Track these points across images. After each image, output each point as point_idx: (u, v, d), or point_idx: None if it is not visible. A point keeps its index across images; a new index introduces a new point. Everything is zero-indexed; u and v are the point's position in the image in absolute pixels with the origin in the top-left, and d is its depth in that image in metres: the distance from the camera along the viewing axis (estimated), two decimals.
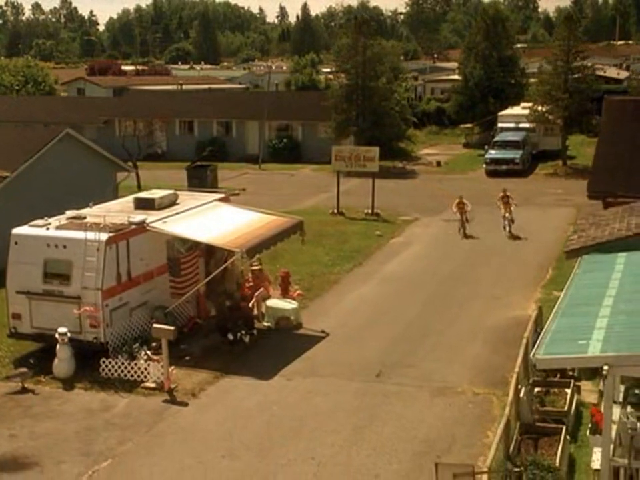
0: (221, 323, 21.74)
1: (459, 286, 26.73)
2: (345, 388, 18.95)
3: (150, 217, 21.44)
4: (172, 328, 18.75)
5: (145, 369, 19.09)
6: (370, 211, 37.37)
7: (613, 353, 11.69)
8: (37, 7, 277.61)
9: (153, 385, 18.89)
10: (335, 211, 37.92)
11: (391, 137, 54.79)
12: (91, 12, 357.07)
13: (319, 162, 52.46)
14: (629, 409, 13.87)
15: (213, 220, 22.48)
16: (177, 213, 22.31)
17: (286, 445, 16.33)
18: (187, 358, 20.43)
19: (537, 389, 17.53)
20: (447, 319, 23.55)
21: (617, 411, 13.61)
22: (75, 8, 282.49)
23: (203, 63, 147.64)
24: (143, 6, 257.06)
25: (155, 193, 23.24)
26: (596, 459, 13.43)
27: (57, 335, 19.15)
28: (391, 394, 18.56)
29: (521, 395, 15.84)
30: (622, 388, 14.67)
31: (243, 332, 21.19)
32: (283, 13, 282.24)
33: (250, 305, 23.07)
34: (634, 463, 11.97)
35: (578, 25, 56.70)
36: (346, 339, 22.16)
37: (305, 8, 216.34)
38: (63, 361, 19.28)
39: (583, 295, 15.15)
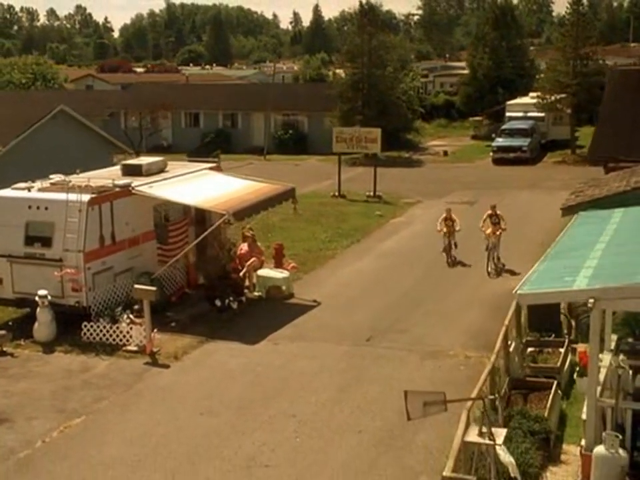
0: (209, 291, 21.15)
1: (459, 257, 26.02)
2: (332, 351, 18.36)
3: (137, 182, 20.88)
4: (153, 288, 18.21)
5: (127, 332, 18.54)
6: (372, 194, 36.71)
7: (599, 286, 11.05)
8: (51, 13, 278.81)
9: (134, 349, 18.34)
10: (336, 193, 37.32)
11: (398, 127, 54.10)
12: (106, 18, 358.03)
13: (325, 153, 51.88)
14: (621, 356, 13.16)
15: (202, 186, 21.94)
16: (165, 179, 21.75)
17: (267, 404, 15.73)
18: (173, 324, 19.88)
19: (530, 349, 16.87)
20: (443, 290, 22.91)
21: (607, 357, 12.93)
22: (90, 14, 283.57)
23: (214, 64, 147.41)
24: (157, 11, 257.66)
25: (143, 160, 22.70)
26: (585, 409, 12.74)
27: (36, 298, 18.59)
28: (381, 357, 17.95)
29: (511, 349, 15.19)
30: (614, 337, 13.99)
31: (231, 298, 20.63)
32: (296, 19, 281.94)
33: (241, 274, 22.45)
34: (622, 403, 11.28)
35: (589, 24, 55.39)
36: (338, 307, 21.55)
37: (316, 10, 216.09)
38: (43, 325, 18.76)
39: (575, 243, 14.54)
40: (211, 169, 23.71)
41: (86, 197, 19.08)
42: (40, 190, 19.91)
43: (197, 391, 16.38)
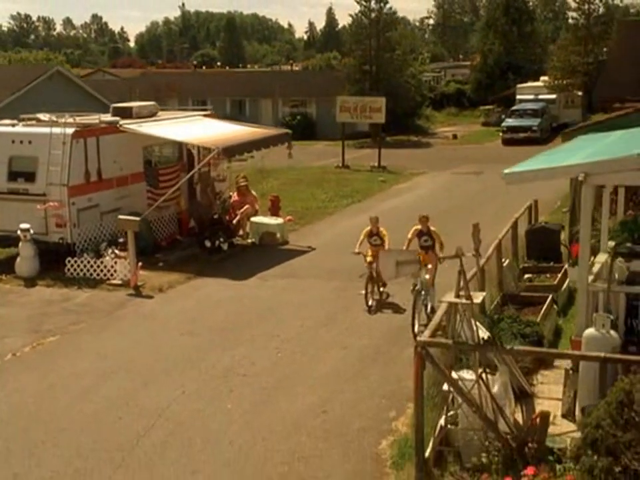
0: (200, 234, 20.54)
1: (459, 215, 25.25)
2: (323, 286, 17.72)
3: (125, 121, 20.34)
4: (137, 218, 17.61)
5: (112, 266, 17.95)
6: (376, 164, 36.06)
7: (589, 160, 10.36)
8: (68, 22, 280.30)
9: (119, 282, 17.72)
10: (340, 164, 36.69)
11: (407, 111, 53.43)
12: (122, 28, 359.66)
13: (334, 139, 51.28)
14: (619, 259, 12.42)
15: (194, 127, 21.40)
16: (156, 121, 21.20)
17: (251, 327, 15.10)
18: (161, 264, 19.24)
19: (527, 276, 16.15)
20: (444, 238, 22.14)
21: (603, 257, 12.22)
22: (106, 23, 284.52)
23: (227, 68, 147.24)
24: (172, 19, 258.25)
25: (134, 103, 22.16)
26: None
27: (18, 232, 18.02)
28: None
29: (504, 264, 14.48)
30: (611, 244, 13.24)
31: (222, 239, 19.99)
32: (312, 29, 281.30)
33: (234, 222, 21.81)
34: (614, 287, 10.55)
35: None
36: (332, 252, 20.86)
37: (330, 12, 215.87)
38: (25, 259, 18.19)
39: (569, 146, 13.84)
40: (205, 115, 23.09)
41: (70, 130, 18.51)
42: (24, 125, 19.36)
43: (180, 316, 15.78)
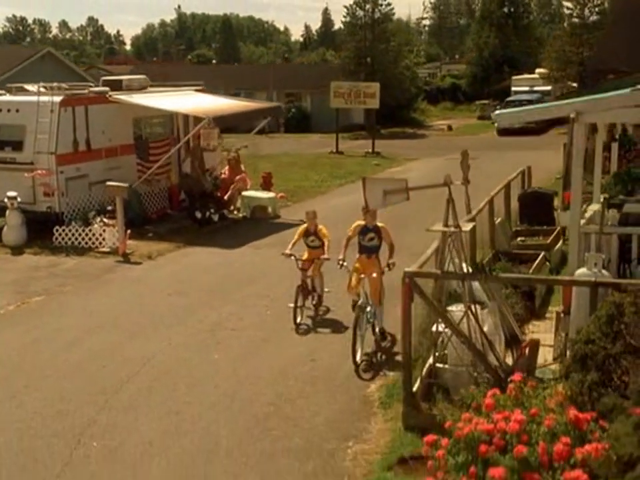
0: (191, 207, 20.33)
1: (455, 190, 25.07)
2: None
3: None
4: (126, 185, 17.39)
5: (100, 234, 17.74)
6: (370, 150, 35.87)
7: (582, 98, 10.18)
8: (63, 25, 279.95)
9: (107, 250, 17.49)
10: (334, 150, 36.50)
11: (401, 103, 53.27)
12: (118, 31, 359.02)
13: (329, 131, 51.12)
14: (611, 210, 12.26)
15: (185, 100, 21.20)
16: (146, 93, 21.01)
17: (241, 288, 14.91)
18: (150, 234, 19.03)
19: (520, 239, 15.96)
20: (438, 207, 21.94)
21: (596, 207, 12.04)
22: (102, 25, 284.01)
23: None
24: (168, 21, 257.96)
25: (124, 76, 21.98)
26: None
27: (5, 199, 17.79)
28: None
29: (497, 222, 14.29)
30: (602, 197, 13.05)
31: (212, 210, 19.77)
32: (308, 32, 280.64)
33: (225, 197, 21.58)
34: (607, 229, 10.37)
35: None
36: (326, 224, 20.56)
37: (326, 13, 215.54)
38: (12, 228, 17.96)
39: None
40: (196, 90, 22.89)
41: (58, 98, 18.31)
42: (12, 94, 19.15)
43: (169, 280, 15.58)
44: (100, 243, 17.64)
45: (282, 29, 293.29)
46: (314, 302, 12.78)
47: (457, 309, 9.02)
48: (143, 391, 10.15)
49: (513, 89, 53.58)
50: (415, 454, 8.14)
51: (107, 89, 19.73)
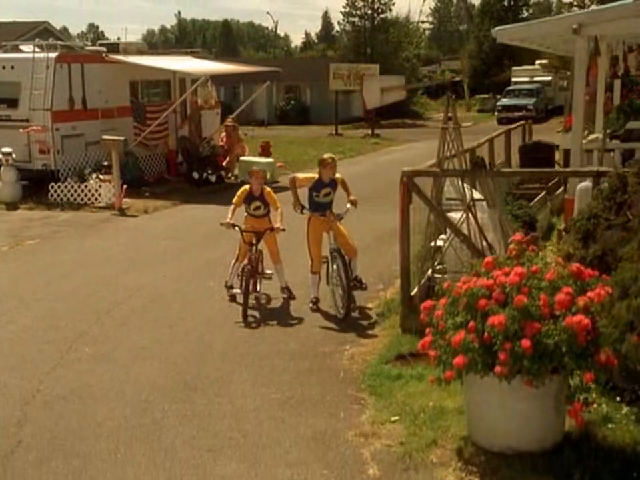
0: (188, 168, 20.17)
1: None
2: None
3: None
4: (122, 138, 17.21)
5: (96, 190, 17.56)
6: (369, 132, 35.69)
7: (585, 10, 10.00)
8: (64, 31, 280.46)
9: (103, 205, 17.31)
10: (333, 132, 36.33)
11: None
12: (118, 38, 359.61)
13: (328, 124, 50.97)
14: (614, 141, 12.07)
15: (182, 62, 21.01)
16: (142, 56, 20.86)
17: (237, 235, 14.63)
18: (147, 194, 18.84)
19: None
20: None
21: (598, 135, 11.85)
22: (102, 32, 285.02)
23: None
24: (168, 27, 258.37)
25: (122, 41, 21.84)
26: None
27: (0, 156, 17.61)
28: (369, 211, 16.77)
29: (497, 163, 14.10)
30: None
31: (209, 171, 19.59)
32: (308, 39, 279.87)
33: (224, 164, 21.38)
34: (609, 145, 10.18)
35: None
36: None
37: (326, 16, 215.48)
38: (7, 184, 17.77)
39: None
40: (193, 56, 22.74)
41: (53, 54, 18.16)
42: (7, 52, 19.00)
43: (164, 229, 15.44)
44: (96, 199, 17.47)
45: (282, 35, 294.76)
46: (258, 287, 10.12)
47: (456, 216, 8.83)
48: (136, 311, 9.97)
49: (513, 79, 53.36)
50: (413, 351, 7.95)
51: (103, 49, 19.55)
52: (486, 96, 62.45)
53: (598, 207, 6.80)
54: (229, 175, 21.53)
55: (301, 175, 10.54)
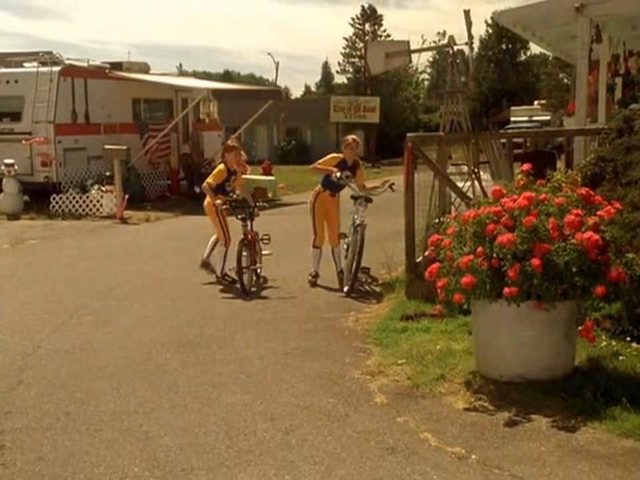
0: (189, 182, 20.21)
1: None
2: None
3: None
4: (124, 147, 17.24)
5: (98, 200, 17.54)
6: (370, 165, 35.79)
7: None
8: None
9: (105, 215, 17.29)
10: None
11: (401, 133, 53.16)
12: None
13: None
14: None
15: (184, 81, 21.20)
16: (145, 75, 21.03)
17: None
18: (148, 207, 18.83)
19: None
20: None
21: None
22: None
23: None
24: None
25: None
26: None
27: (2, 167, 17.62)
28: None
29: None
30: None
31: None
32: (308, 90, 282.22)
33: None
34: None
35: None
36: None
37: (326, 67, 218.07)
38: (9, 195, 17.76)
39: None
40: (195, 77, 22.94)
41: (57, 68, 18.30)
42: (11, 67, 19.15)
43: (165, 232, 15.42)
44: (97, 209, 17.44)
45: (283, 86, 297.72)
46: (257, 264, 10.10)
47: (461, 184, 8.80)
48: (137, 290, 9.90)
49: (512, 118, 53.67)
50: (418, 312, 7.86)
51: (106, 65, 19.70)
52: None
53: (604, 150, 6.76)
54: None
55: (327, 158, 10.16)
